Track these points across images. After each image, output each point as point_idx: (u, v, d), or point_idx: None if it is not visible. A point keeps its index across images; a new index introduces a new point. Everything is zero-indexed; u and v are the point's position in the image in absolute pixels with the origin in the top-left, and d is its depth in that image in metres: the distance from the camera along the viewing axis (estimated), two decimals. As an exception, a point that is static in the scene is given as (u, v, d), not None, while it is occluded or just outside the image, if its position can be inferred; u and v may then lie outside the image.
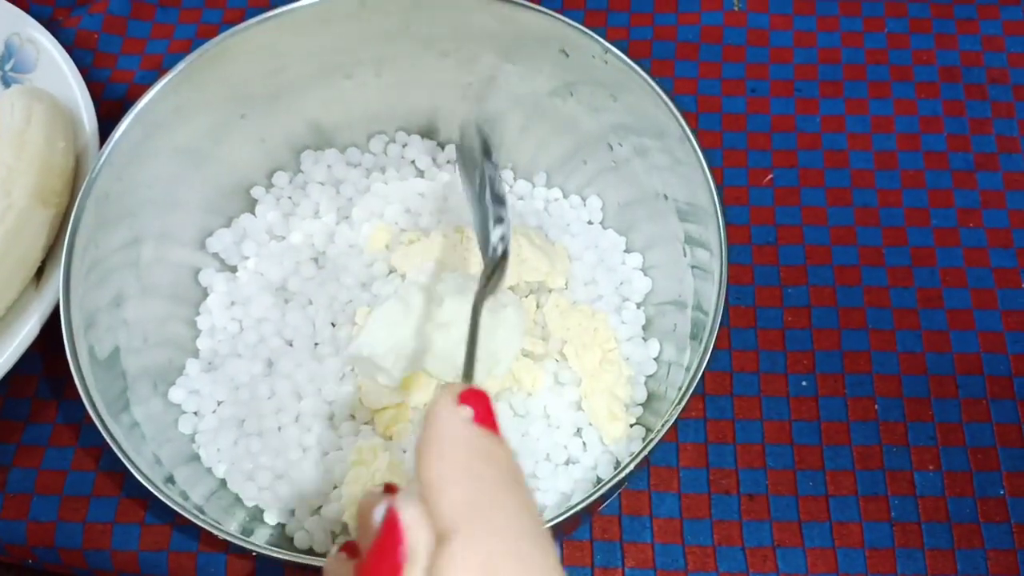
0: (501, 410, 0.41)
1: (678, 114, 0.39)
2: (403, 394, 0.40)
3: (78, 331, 0.36)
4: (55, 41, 0.50)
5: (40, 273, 0.44)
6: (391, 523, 0.20)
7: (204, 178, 0.45)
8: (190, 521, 0.34)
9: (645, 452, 0.34)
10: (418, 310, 0.37)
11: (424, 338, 0.37)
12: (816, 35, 0.55)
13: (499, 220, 0.33)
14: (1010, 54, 0.54)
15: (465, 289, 0.37)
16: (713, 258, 0.37)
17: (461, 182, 0.39)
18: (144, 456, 0.36)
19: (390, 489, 0.24)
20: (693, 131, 0.39)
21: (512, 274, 0.43)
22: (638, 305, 0.44)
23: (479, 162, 0.36)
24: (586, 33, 0.40)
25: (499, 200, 0.34)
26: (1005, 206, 0.50)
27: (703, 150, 0.38)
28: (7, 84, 0.49)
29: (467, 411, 0.21)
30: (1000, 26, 0.55)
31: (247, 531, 0.39)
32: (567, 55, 0.42)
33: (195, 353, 0.44)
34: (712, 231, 0.37)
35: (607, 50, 0.40)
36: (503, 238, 0.33)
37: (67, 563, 0.43)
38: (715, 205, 0.37)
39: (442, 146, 0.48)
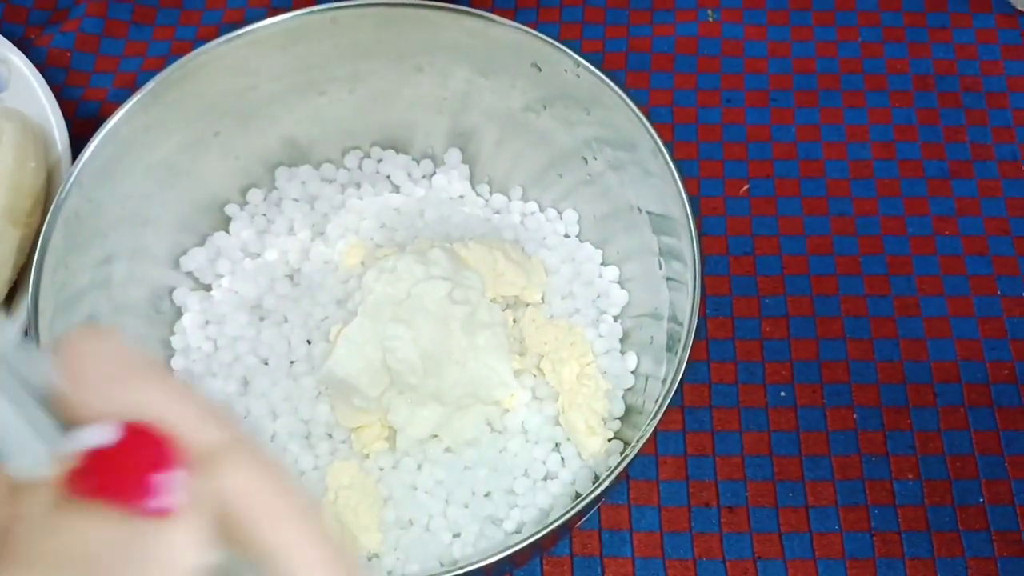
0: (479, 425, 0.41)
1: (650, 126, 0.39)
2: (379, 412, 0.40)
3: (46, 355, 0.35)
4: (27, 60, 0.49)
5: (11, 295, 0.44)
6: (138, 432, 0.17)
7: (177, 196, 0.44)
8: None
9: (622, 466, 0.34)
10: (385, 326, 0.37)
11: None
12: (791, 45, 0.55)
13: None
14: (983, 62, 0.54)
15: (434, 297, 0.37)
16: (687, 269, 0.37)
17: None
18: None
19: None
20: (668, 143, 0.39)
21: (489, 288, 0.42)
22: (615, 318, 0.44)
23: None
24: (557, 47, 0.40)
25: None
26: (980, 213, 0.50)
27: (679, 161, 0.38)
28: (-22, 104, 0.49)
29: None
30: (973, 34, 0.55)
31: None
32: (540, 69, 0.42)
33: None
34: (685, 243, 0.37)
35: (578, 64, 0.40)
36: None
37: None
38: (688, 218, 0.37)
39: (417, 161, 0.48)
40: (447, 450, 0.41)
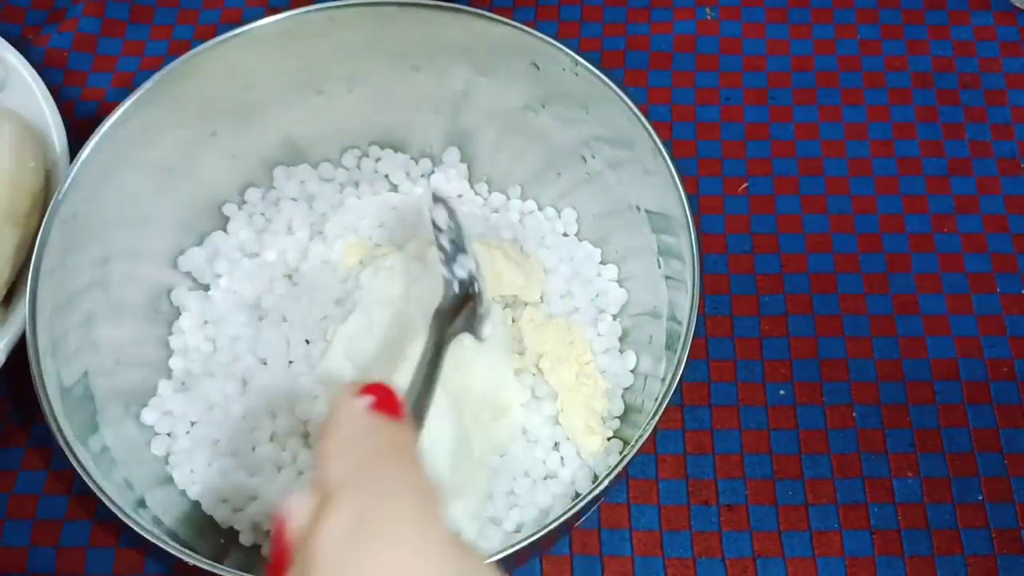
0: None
1: (648, 125, 0.39)
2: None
3: (45, 355, 0.35)
4: (24, 60, 0.49)
5: (10, 295, 0.44)
6: (278, 515, 0.23)
7: (175, 196, 0.44)
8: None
9: (622, 465, 0.34)
10: (382, 323, 0.37)
11: (390, 352, 0.36)
12: (789, 43, 0.55)
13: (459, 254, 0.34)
14: (981, 59, 0.54)
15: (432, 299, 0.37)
16: (686, 268, 0.37)
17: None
18: (114, 481, 0.36)
19: None
20: (667, 142, 0.39)
21: (488, 287, 0.42)
22: (614, 317, 0.44)
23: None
24: (555, 46, 0.40)
25: (460, 247, 0.35)
26: (979, 211, 0.50)
27: (677, 160, 0.38)
28: (-25, 104, 0.49)
29: (365, 400, 0.23)
30: (971, 32, 0.55)
31: (222, 554, 0.39)
32: (538, 68, 0.42)
33: (167, 373, 0.43)
34: (684, 242, 0.37)
35: (577, 62, 0.40)
36: (470, 274, 0.34)
37: (40, 589, 0.42)
38: (686, 216, 0.37)
39: (415, 160, 0.48)
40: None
